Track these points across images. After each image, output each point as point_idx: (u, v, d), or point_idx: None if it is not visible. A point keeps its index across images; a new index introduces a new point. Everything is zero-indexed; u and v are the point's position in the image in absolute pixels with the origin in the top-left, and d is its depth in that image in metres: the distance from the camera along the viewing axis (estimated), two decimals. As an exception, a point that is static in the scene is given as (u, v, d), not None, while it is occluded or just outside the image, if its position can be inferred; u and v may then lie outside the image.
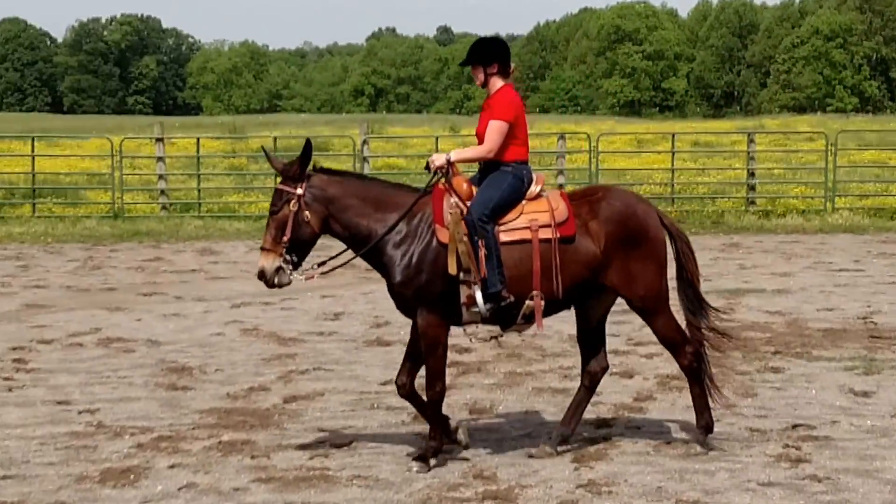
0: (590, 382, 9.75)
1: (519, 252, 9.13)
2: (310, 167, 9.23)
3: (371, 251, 9.19)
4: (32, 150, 33.38)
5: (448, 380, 12.09)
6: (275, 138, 35.59)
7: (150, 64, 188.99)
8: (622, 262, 9.25)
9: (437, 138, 34.98)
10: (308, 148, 9.19)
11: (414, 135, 47.96)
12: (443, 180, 9.38)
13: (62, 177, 35.73)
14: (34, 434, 10.21)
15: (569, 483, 8.71)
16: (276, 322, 15.85)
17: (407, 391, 9.53)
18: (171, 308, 17.17)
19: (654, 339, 14.08)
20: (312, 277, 9.33)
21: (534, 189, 9.36)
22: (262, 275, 9.10)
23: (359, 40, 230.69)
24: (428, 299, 9.07)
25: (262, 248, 9.14)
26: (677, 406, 11.04)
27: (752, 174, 31.23)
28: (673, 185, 31.65)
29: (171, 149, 37.65)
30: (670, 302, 9.57)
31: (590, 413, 10.71)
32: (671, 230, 9.66)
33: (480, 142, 9.44)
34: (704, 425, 9.58)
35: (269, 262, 9.06)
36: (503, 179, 9.27)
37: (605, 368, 9.78)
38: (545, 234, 9.15)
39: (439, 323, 9.15)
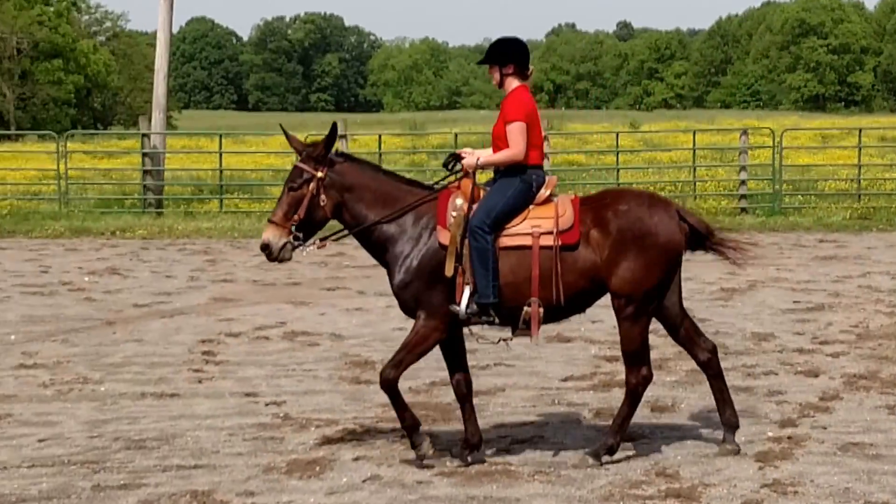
0: (713, 371, 9.45)
1: (518, 258, 8.96)
2: (334, 151, 9.22)
3: (376, 248, 9.17)
4: (220, 147, 34.08)
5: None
6: (455, 134, 35.83)
7: (332, 62, 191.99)
8: (627, 268, 8.87)
9: (617, 134, 34.83)
10: (333, 131, 9.17)
11: (593, 131, 47.81)
12: (454, 181, 9.32)
13: (248, 173, 36.50)
14: (223, 425, 10.44)
15: (753, 482, 8.60)
16: (457, 317, 15.91)
17: (462, 397, 9.42)
18: (354, 303, 17.40)
19: (840, 337, 14.01)
20: (324, 245, 9.37)
21: (543, 193, 9.17)
22: (265, 247, 9.05)
23: (538, 36, 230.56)
24: (430, 304, 9.01)
25: (271, 221, 9.10)
26: (865, 406, 10.81)
27: (942, 170, 30.41)
28: (859, 182, 31.01)
29: (353, 145, 38.11)
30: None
31: (774, 412, 10.58)
32: (700, 227, 9.27)
33: (496, 142, 9.29)
34: (610, 445, 9.14)
35: (276, 238, 9.03)
36: (510, 186, 9.11)
37: (713, 348, 9.47)
38: (546, 241, 8.94)
39: (437, 327, 9.07)
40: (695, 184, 31.61)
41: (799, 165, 34.13)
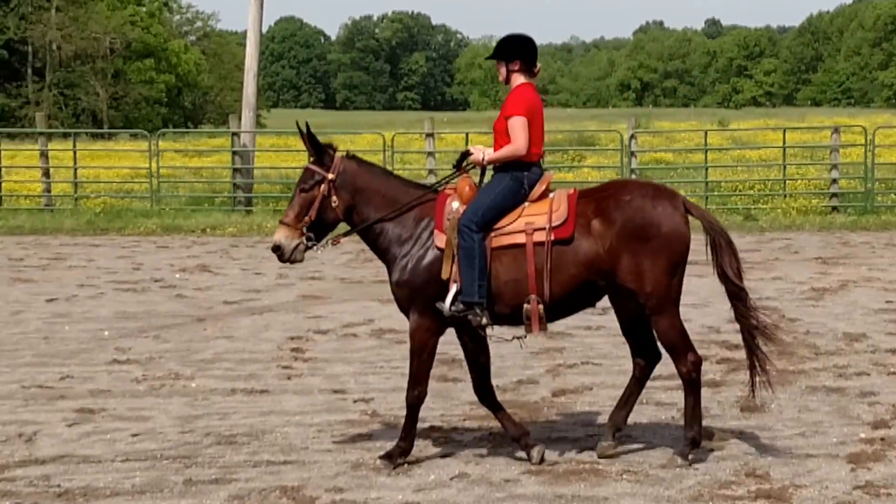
0: (641, 376, 9.44)
1: (513, 256, 8.93)
2: (343, 153, 9.30)
3: (378, 247, 9.29)
4: (308, 146, 34.24)
5: (717, 376, 12.01)
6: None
7: (419, 60, 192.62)
8: (631, 260, 8.80)
9: (705, 132, 34.58)
10: (306, 133, 9.16)
11: (681, 129, 47.51)
12: (450, 184, 9.36)
13: (336, 171, 36.66)
14: (312, 421, 10.52)
15: (845, 484, 8.51)
16: (545, 316, 15.88)
17: (486, 401, 9.51)
18: (442, 301, 17.39)
19: (934, 338, 13.81)
20: (339, 242, 9.54)
21: (538, 189, 9.11)
22: (278, 249, 9.16)
23: (626, 34, 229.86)
24: (421, 304, 9.03)
25: (283, 223, 9.20)
26: (959, 408, 10.65)
27: None
28: (954, 180, 30.56)
29: (440, 143, 38.19)
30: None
31: (867, 413, 10.46)
32: (703, 222, 9.17)
33: (496, 138, 9.26)
34: (692, 438, 9.06)
35: (288, 240, 9.14)
36: (499, 184, 9.10)
37: (658, 359, 9.42)
38: (539, 236, 8.88)
39: (429, 327, 9.07)
40: (785, 182, 31.29)
41: (892, 164, 33.65)
